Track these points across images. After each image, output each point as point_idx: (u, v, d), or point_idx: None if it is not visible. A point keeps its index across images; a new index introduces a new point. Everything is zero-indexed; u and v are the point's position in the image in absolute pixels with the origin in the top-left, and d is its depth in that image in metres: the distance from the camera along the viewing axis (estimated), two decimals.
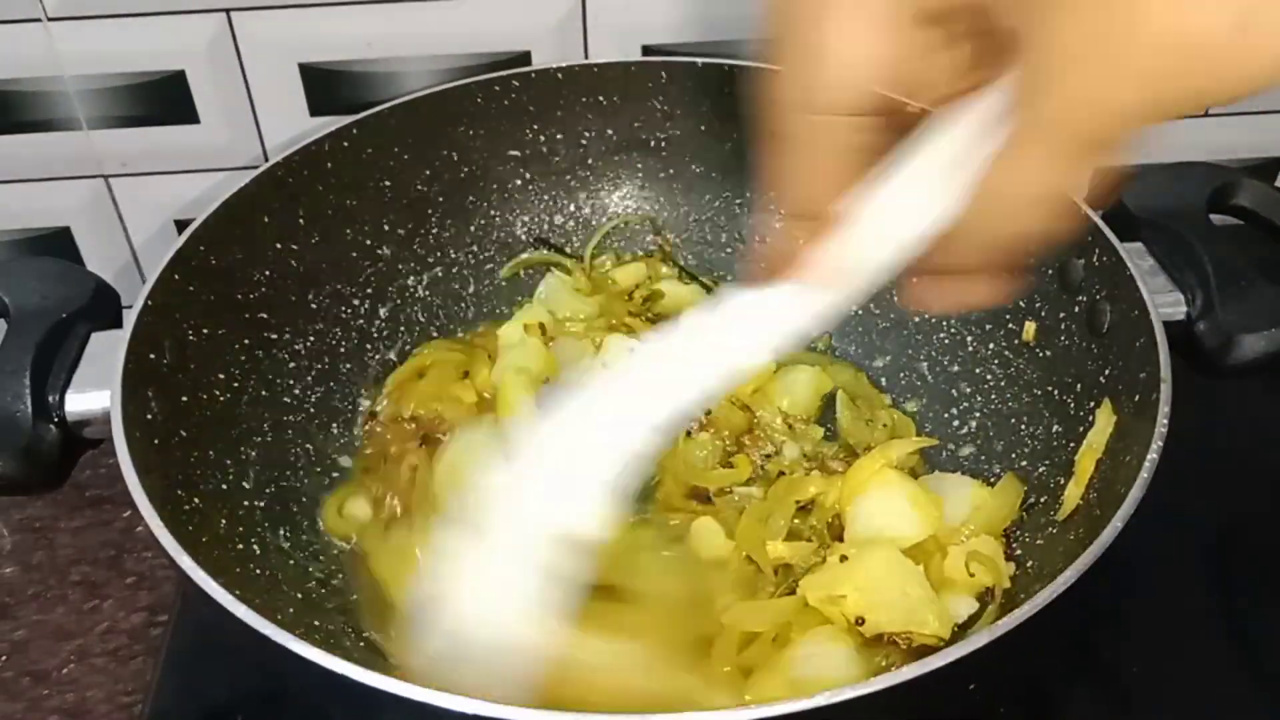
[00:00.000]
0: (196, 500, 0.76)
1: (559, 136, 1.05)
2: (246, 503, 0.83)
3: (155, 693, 0.84)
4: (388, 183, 1.00)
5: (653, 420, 0.61)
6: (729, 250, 1.10)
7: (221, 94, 1.04)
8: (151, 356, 0.78)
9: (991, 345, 0.96)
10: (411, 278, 1.03)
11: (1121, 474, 0.70)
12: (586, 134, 1.06)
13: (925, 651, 0.69)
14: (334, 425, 0.96)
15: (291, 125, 1.06)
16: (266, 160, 0.94)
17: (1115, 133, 0.45)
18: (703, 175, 1.09)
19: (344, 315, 0.99)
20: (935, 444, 0.94)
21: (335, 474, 0.93)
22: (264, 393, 0.90)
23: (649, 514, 0.88)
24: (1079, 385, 0.85)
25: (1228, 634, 0.87)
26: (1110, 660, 0.84)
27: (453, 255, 1.06)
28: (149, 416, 0.75)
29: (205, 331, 0.85)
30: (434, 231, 1.04)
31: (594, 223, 1.10)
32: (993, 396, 0.94)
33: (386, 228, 1.01)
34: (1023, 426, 0.90)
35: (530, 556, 0.63)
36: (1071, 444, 0.83)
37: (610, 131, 1.06)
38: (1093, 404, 0.82)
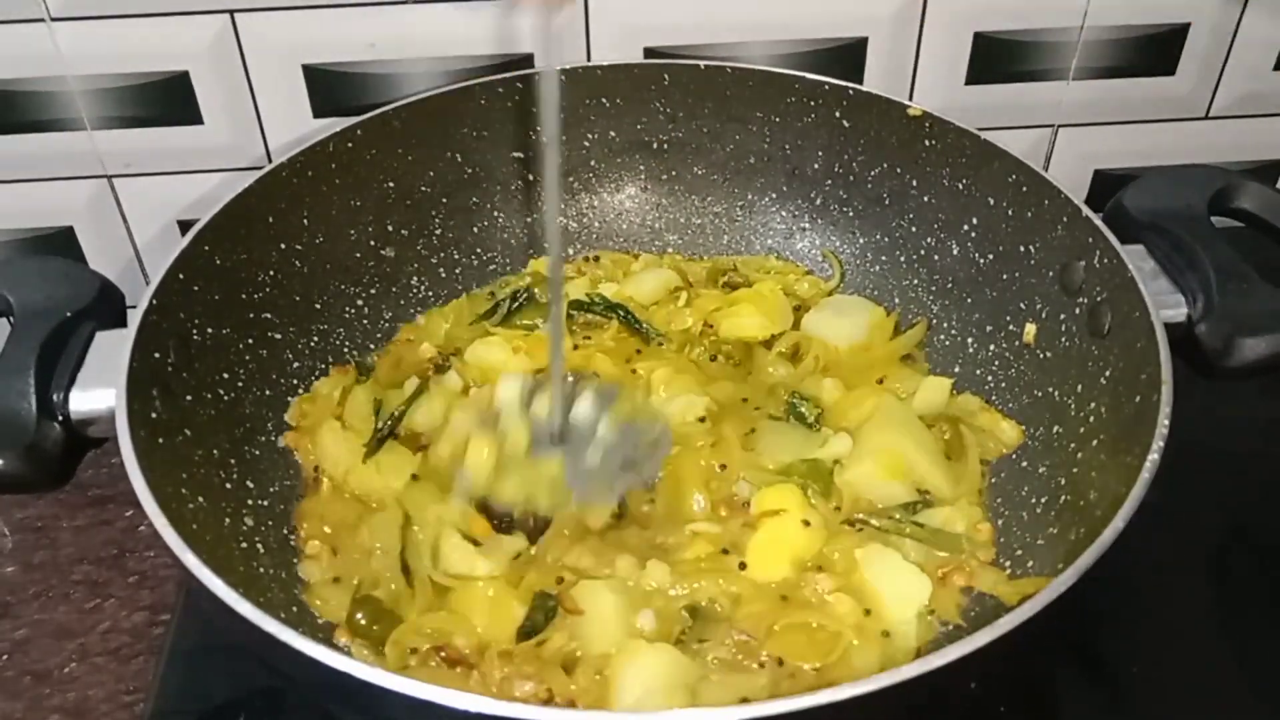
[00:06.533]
0: (200, 499, 0.76)
1: (561, 138, 1.06)
2: (250, 502, 0.83)
3: (157, 692, 0.84)
4: (391, 184, 1.00)
5: None
6: (732, 251, 1.10)
7: (225, 95, 1.04)
8: (156, 356, 0.78)
9: (992, 347, 0.96)
10: (415, 278, 1.04)
11: (1122, 474, 0.70)
12: (589, 136, 1.07)
13: None
14: None
15: (294, 126, 1.06)
16: (270, 161, 0.95)
17: None
18: (704, 177, 1.09)
19: (348, 315, 0.99)
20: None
21: None
22: (268, 392, 0.91)
23: None
24: (1080, 387, 0.85)
25: (1228, 634, 0.87)
26: (1110, 660, 0.84)
27: (455, 256, 1.06)
28: (153, 415, 0.76)
29: (209, 331, 0.85)
30: (437, 232, 1.05)
31: (596, 224, 1.10)
32: (993, 399, 0.94)
33: (390, 228, 1.02)
34: (1023, 428, 0.90)
35: None
36: (1072, 444, 0.83)
37: (613, 133, 1.07)
38: (1093, 404, 0.83)
